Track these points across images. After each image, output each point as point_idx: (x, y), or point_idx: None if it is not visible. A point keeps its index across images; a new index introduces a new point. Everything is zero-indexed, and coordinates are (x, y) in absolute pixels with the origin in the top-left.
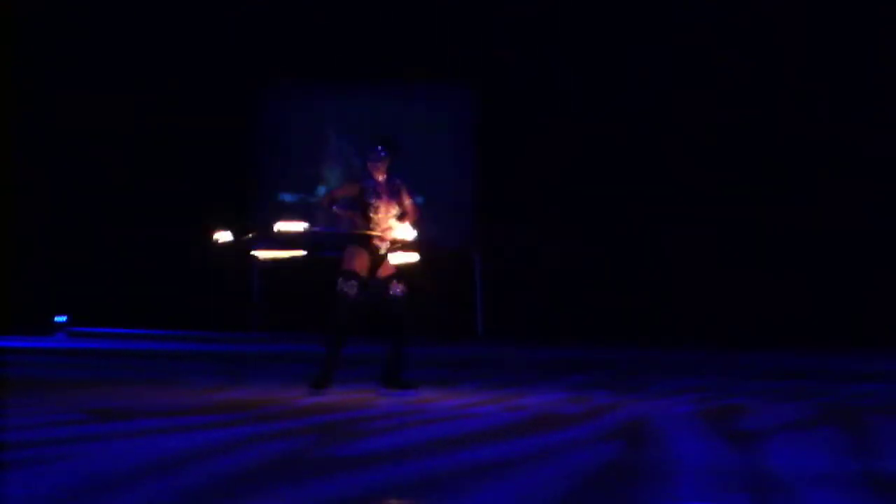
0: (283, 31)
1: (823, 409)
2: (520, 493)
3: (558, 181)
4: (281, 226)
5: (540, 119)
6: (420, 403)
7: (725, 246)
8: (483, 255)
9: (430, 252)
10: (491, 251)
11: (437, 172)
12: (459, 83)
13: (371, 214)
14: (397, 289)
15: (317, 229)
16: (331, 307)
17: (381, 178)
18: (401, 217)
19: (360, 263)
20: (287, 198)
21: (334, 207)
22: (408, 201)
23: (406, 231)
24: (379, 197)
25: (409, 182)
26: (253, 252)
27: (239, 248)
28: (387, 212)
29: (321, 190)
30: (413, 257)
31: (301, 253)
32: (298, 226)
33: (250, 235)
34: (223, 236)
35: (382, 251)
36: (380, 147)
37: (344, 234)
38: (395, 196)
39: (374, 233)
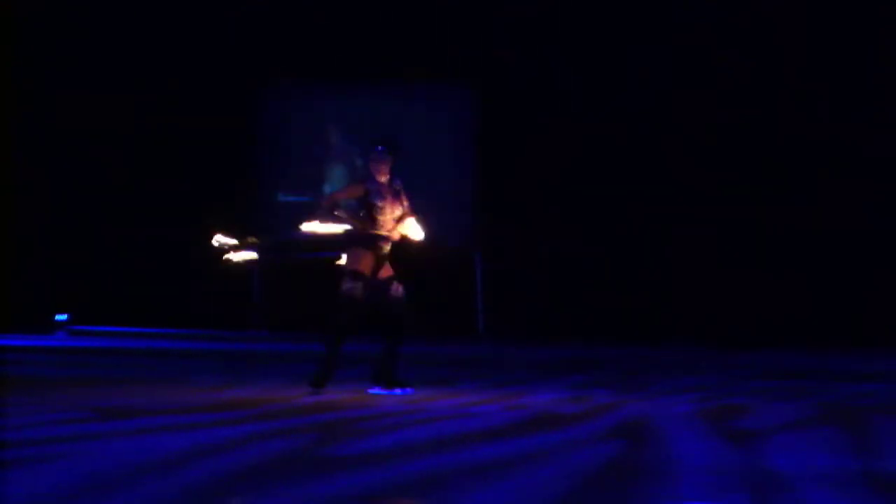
0: (283, 31)
1: (823, 409)
2: (520, 492)
3: (558, 181)
4: (307, 226)
5: (540, 119)
6: (420, 402)
7: (725, 246)
8: (483, 255)
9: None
10: (491, 251)
11: (437, 172)
12: (459, 83)
13: (377, 216)
14: (398, 290)
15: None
16: (334, 307)
17: (383, 179)
18: (401, 218)
19: (366, 264)
20: (287, 198)
21: (336, 212)
22: (406, 203)
23: (415, 230)
24: (383, 198)
25: (407, 182)
26: (228, 255)
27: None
28: (392, 212)
29: (326, 189)
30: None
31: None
32: (319, 226)
33: (251, 240)
34: (224, 240)
35: (386, 251)
36: (384, 148)
37: (360, 236)
38: (397, 197)
39: (384, 233)
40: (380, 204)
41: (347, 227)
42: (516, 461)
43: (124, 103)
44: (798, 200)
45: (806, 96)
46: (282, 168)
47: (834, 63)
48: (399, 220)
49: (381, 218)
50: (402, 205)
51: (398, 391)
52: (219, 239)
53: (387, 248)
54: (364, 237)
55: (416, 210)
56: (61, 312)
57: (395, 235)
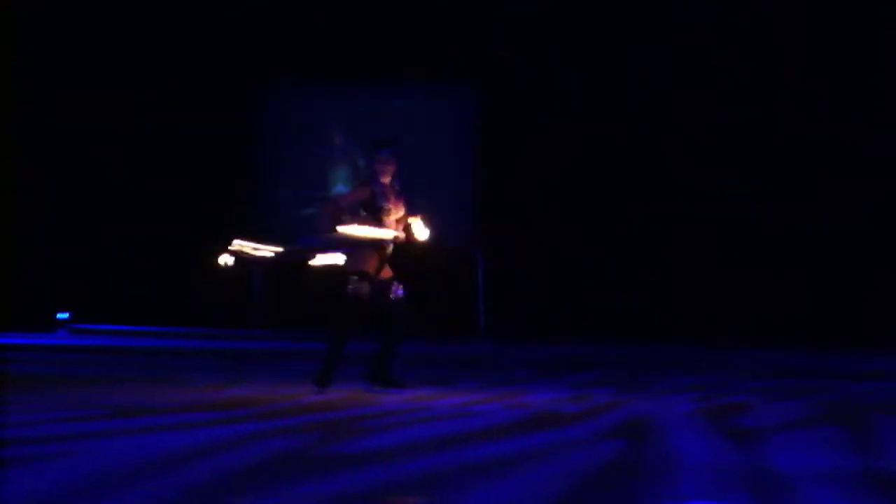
0: (283, 31)
1: (824, 408)
2: (521, 491)
3: (558, 181)
4: (320, 258)
5: (540, 119)
6: (422, 401)
7: (725, 246)
8: (483, 255)
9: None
10: (491, 251)
11: (437, 172)
12: (460, 83)
13: (382, 217)
14: (399, 291)
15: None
16: (339, 307)
17: (387, 180)
18: (402, 219)
19: (371, 264)
20: (287, 197)
21: (340, 228)
22: (405, 204)
23: (421, 231)
24: (388, 200)
25: (407, 182)
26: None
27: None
28: (395, 213)
29: (332, 190)
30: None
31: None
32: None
33: (269, 250)
34: (242, 245)
35: (388, 252)
36: (391, 150)
37: (372, 238)
38: (399, 198)
39: (395, 235)
40: (386, 206)
41: (365, 229)
42: (517, 460)
43: (124, 103)
44: (798, 200)
45: (806, 96)
46: (282, 168)
47: (834, 63)
48: (399, 220)
49: (385, 219)
50: (403, 206)
51: (394, 391)
52: (238, 245)
53: (389, 249)
54: (374, 239)
55: (423, 210)
56: (63, 311)
57: (402, 236)
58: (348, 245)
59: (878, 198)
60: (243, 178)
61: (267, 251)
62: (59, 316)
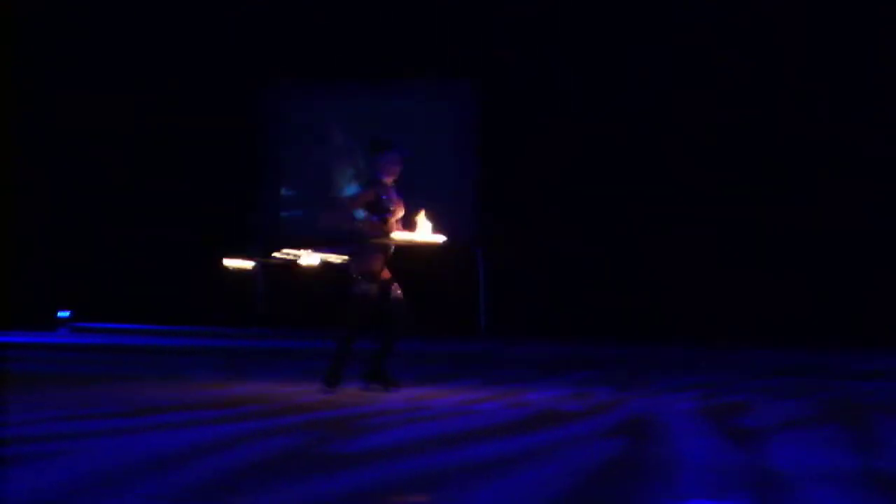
0: (283, 31)
1: (824, 407)
2: (522, 489)
3: (558, 181)
4: (325, 257)
5: (540, 119)
6: (423, 400)
7: (725, 246)
8: (484, 254)
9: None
10: (492, 250)
11: (438, 171)
12: (460, 83)
13: (388, 218)
14: (398, 291)
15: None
16: (348, 307)
17: (391, 180)
18: (403, 219)
19: (378, 265)
20: (287, 197)
21: (357, 222)
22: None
23: (428, 231)
24: (392, 200)
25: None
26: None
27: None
28: (398, 214)
29: (339, 191)
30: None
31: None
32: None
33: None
34: (237, 262)
35: (391, 253)
36: (397, 150)
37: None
38: (400, 198)
39: (409, 236)
40: (392, 207)
41: (418, 235)
42: (519, 458)
43: (124, 103)
44: (798, 200)
45: (806, 96)
46: (282, 168)
47: (834, 63)
48: (399, 220)
49: (391, 220)
50: (403, 206)
51: (392, 389)
52: (231, 263)
53: (392, 249)
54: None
55: (428, 210)
56: (64, 309)
57: (439, 239)
58: (358, 245)
59: (878, 198)
60: (243, 178)
61: (312, 255)
62: (60, 314)
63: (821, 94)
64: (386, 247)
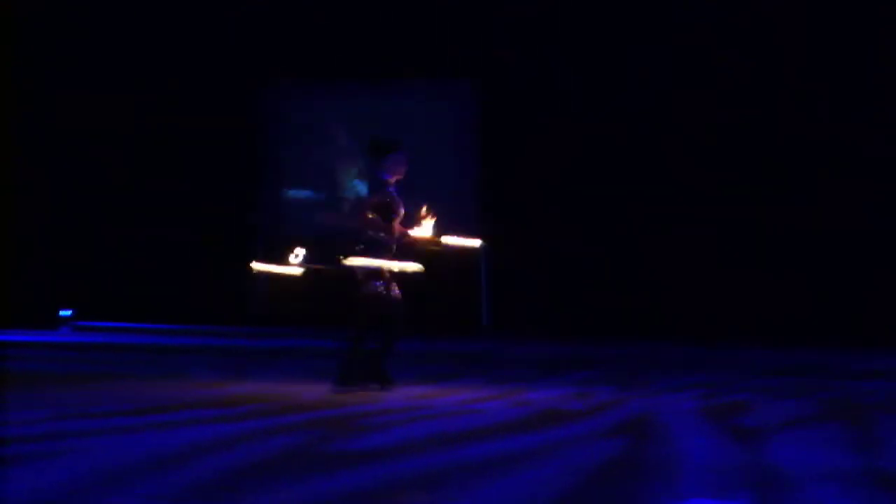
0: (283, 31)
1: (826, 406)
2: (523, 489)
3: (558, 181)
4: (352, 261)
5: (540, 119)
6: (424, 399)
7: (725, 246)
8: (485, 254)
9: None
10: (493, 250)
11: (438, 171)
12: (460, 83)
13: (395, 219)
14: (395, 290)
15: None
16: (357, 307)
17: (394, 181)
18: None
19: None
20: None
21: (370, 232)
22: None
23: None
24: (397, 202)
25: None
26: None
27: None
28: (401, 214)
29: (355, 189)
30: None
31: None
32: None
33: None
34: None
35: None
36: (401, 151)
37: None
38: (401, 198)
39: (427, 239)
40: (399, 209)
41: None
42: (520, 457)
43: (124, 103)
44: (798, 200)
45: (806, 96)
46: (282, 168)
47: (834, 63)
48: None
49: (396, 220)
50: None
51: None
52: (261, 267)
53: (394, 249)
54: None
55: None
56: (65, 308)
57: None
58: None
59: (878, 198)
60: (243, 178)
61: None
62: (62, 313)
63: (821, 94)
64: (390, 246)
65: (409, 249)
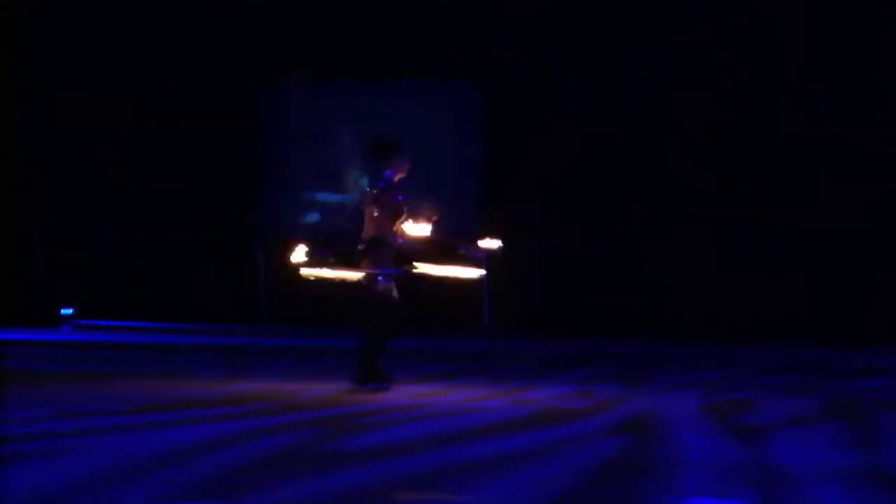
0: (283, 30)
1: (828, 405)
2: (524, 487)
3: (558, 181)
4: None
5: (540, 119)
6: (424, 398)
7: (725, 246)
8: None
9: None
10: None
11: (438, 171)
12: (460, 83)
13: (400, 220)
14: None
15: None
16: (372, 306)
17: (397, 181)
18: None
19: (391, 263)
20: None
21: (399, 240)
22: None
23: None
24: (403, 202)
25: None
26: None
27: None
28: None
29: (363, 188)
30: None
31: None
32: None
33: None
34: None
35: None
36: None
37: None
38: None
39: (424, 239)
40: (405, 209)
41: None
42: (521, 456)
43: (124, 103)
44: (798, 200)
45: (806, 96)
46: (282, 168)
47: (834, 63)
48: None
49: (401, 220)
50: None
51: (386, 384)
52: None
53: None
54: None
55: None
56: (66, 307)
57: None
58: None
59: (878, 198)
60: (243, 178)
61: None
62: (64, 311)
63: (821, 94)
64: (393, 246)
65: (409, 250)
